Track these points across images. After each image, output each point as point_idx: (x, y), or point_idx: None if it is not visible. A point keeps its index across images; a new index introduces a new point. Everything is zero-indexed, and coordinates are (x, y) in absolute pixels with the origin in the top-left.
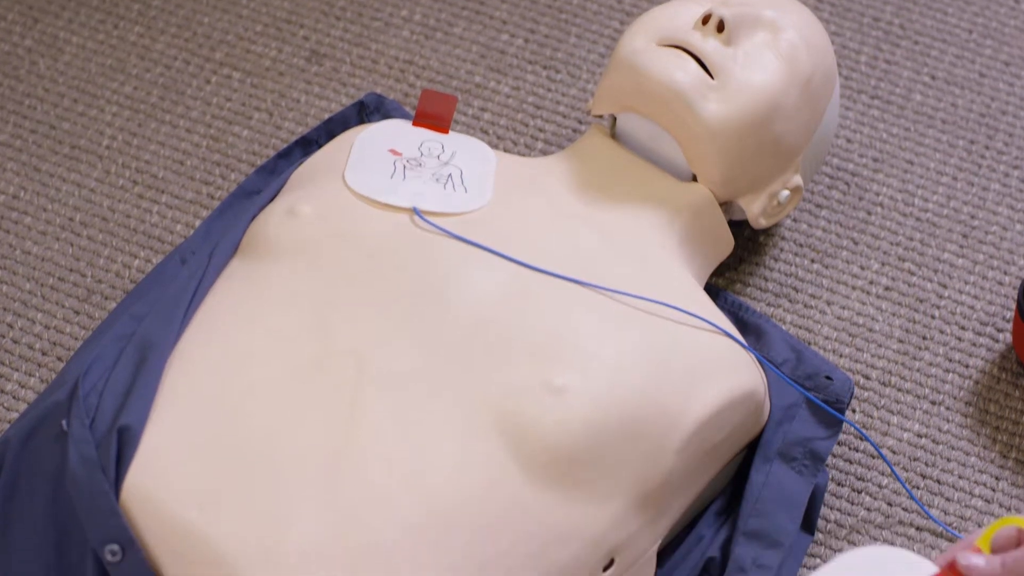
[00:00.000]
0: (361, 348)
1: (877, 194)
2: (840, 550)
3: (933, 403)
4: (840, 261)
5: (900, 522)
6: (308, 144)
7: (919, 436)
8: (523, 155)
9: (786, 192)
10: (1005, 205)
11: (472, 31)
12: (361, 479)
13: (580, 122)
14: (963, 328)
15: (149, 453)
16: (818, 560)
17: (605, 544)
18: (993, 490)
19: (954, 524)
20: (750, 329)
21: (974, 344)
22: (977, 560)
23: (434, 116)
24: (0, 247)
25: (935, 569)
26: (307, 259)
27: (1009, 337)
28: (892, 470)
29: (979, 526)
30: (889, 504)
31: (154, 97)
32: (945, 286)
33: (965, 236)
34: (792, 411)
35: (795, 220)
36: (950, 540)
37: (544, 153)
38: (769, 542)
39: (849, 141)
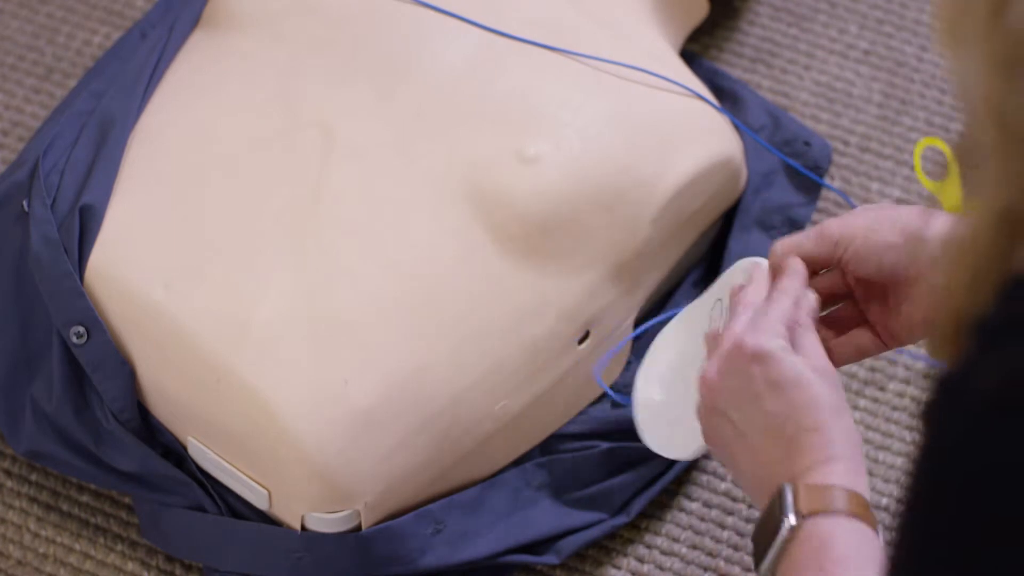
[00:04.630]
0: (327, 119)
1: None
2: None
3: (913, 168)
4: (818, 25)
5: None
6: None
7: (899, 202)
8: None
9: None
10: None
11: None
12: (329, 253)
13: None
14: (943, 92)
15: (113, 232)
16: None
17: (580, 316)
18: None
19: None
20: (726, 95)
21: (955, 108)
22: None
23: None
24: None
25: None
26: (270, 30)
27: None
28: None
29: None
30: None
31: None
32: (925, 49)
33: None
34: (770, 178)
35: None
36: None
37: None
38: None
39: None
